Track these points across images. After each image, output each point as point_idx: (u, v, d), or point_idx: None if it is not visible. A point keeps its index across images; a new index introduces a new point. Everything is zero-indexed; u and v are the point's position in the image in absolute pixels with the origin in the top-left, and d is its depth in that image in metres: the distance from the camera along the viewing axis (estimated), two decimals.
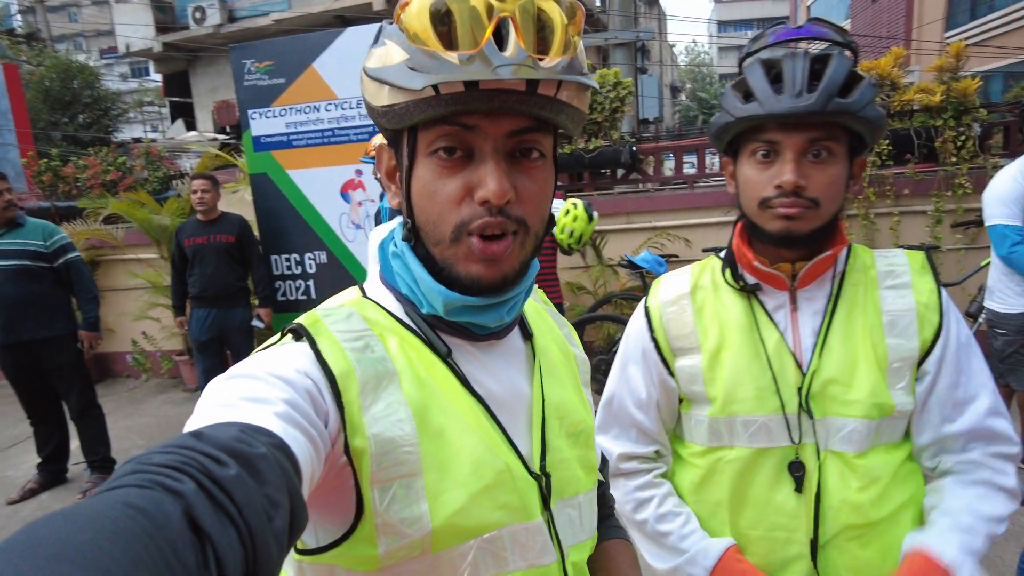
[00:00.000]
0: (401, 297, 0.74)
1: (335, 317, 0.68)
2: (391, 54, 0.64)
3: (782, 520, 1.06)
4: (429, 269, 0.70)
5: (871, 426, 1.02)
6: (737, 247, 1.12)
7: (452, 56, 0.60)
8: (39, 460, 4.09)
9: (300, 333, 0.66)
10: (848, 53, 1.02)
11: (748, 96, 1.01)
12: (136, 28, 13.22)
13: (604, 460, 1.06)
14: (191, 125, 13.39)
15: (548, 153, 0.70)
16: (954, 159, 4.88)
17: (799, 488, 1.04)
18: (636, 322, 1.21)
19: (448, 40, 0.61)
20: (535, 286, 0.93)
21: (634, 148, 5.68)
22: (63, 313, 3.92)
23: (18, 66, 9.38)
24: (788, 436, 1.05)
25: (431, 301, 0.71)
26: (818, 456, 1.04)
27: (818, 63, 0.97)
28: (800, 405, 1.04)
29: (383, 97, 0.65)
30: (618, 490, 1.21)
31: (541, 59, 0.61)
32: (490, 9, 0.60)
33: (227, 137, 9.77)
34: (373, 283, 0.78)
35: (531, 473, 0.72)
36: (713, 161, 7.16)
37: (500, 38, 0.61)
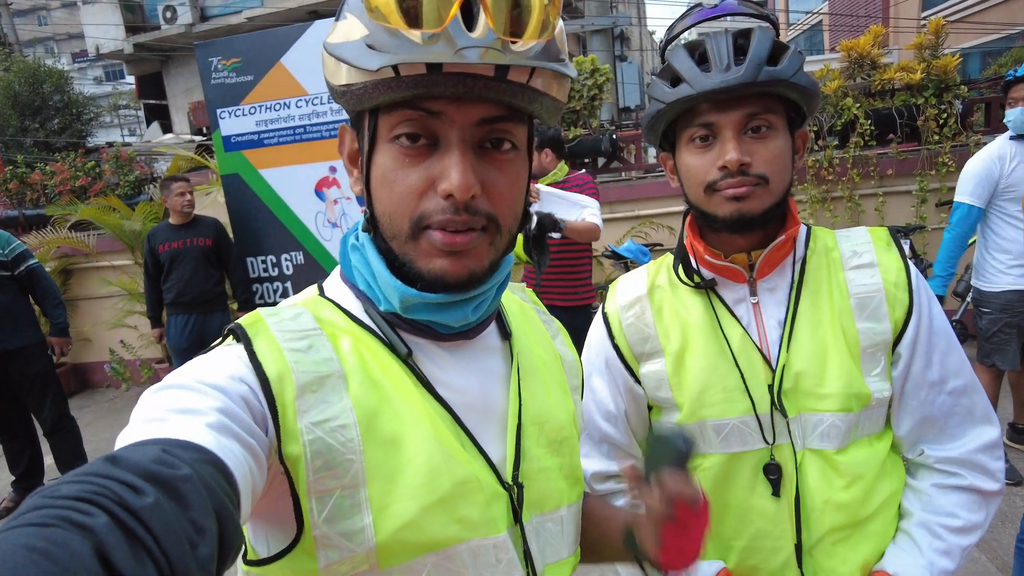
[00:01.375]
0: (360, 294, 0.69)
1: (281, 316, 0.64)
2: (351, 29, 0.58)
3: (765, 527, 1.00)
4: (390, 263, 0.65)
5: (850, 419, 0.96)
6: (689, 242, 1.06)
7: (415, 35, 0.54)
8: (13, 478, 3.97)
9: (239, 335, 0.62)
10: (768, 26, 1.00)
11: (676, 81, 0.96)
12: (105, 29, 12.94)
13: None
14: (167, 127, 13.15)
15: (522, 144, 0.64)
16: (936, 137, 4.86)
17: (776, 492, 0.98)
18: (596, 330, 1.14)
19: (414, 16, 0.54)
20: (523, 284, 0.89)
21: (614, 136, 5.61)
22: (30, 322, 3.82)
23: None
24: (762, 437, 0.99)
25: (388, 297, 0.65)
26: (795, 456, 0.98)
27: (741, 38, 0.95)
28: (772, 403, 0.98)
29: (342, 76, 0.60)
30: None
31: (514, 41, 0.56)
32: None
33: (204, 139, 9.57)
34: (333, 281, 0.73)
35: (502, 483, 0.66)
36: None
37: (470, 16, 0.55)
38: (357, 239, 0.70)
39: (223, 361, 0.59)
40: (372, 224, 0.66)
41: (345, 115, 4.38)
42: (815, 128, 4.97)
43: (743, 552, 1.02)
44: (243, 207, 4.64)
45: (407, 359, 0.66)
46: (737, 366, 1.00)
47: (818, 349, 0.98)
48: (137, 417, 0.51)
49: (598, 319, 1.14)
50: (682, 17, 1.09)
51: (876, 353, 0.98)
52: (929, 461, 1.01)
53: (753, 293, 1.03)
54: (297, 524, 0.59)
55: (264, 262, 4.70)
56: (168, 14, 12.20)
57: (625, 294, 1.12)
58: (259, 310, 0.65)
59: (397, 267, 0.64)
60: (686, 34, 1.10)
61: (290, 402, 0.58)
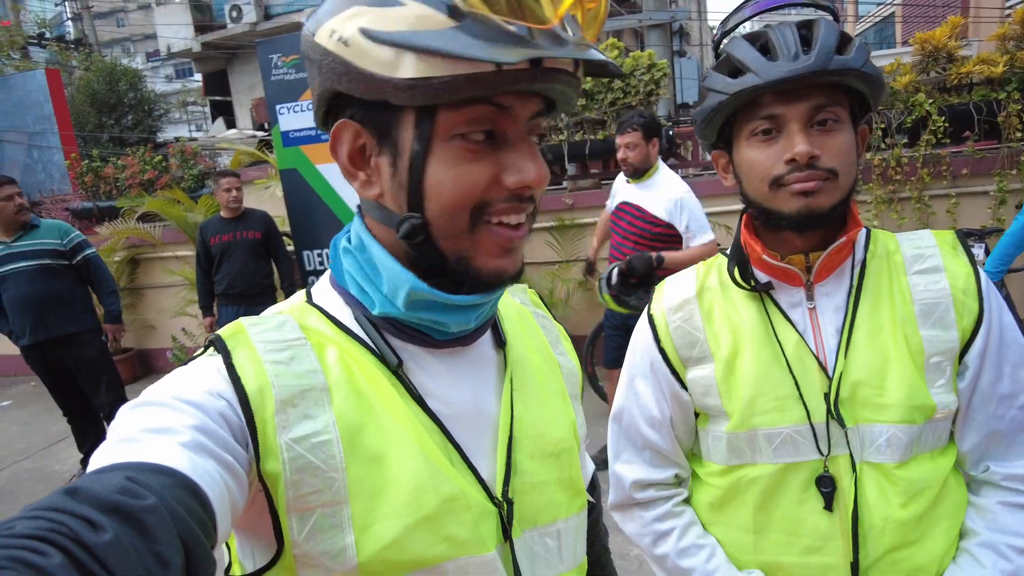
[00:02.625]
0: (351, 299, 0.66)
1: (264, 326, 0.62)
2: (425, 17, 0.53)
3: (815, 543, 0.95)
4: (431, 267, 0.62)
5: (912, 432, 0.91)
6: (745, 241, 1.01)
7: (534, 28, 0.53)
8: (81, 455, 4.18)
9: (219, 346, 0.60)
10: (830, 17, 0.96)
11: (737, 72, 0.92)
12: (176, 29, 13.50)
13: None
14: (231, 123, 13.62)
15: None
16: (1019, 135, 4.55)
17: (829, 506, 0.93)
18: (640, 332, 1.10)
19: (517, 10, 0.53)
20: (525, 286, 0.88)
21: (671, 133, 5.49)
22: (87, 309, 4.00)
23: (60, 71, 9.62)
24: (816, 448, 0.94)
25: (392, 294, 0.62)
26: (853, 469, 0.93)
27: (804, 28, 0.91)
28: (829, 412, 0.93)
29: (406, 67, 0.53)
30: (635, 522, 1.10)
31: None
32: None
33: (265, 134, 9.87)
34: (321, 286, 0.70)
35: (492, 499, 0.64)
36: None
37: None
38: (349, 242, 0.68)
39: (202, 375, 0.57)
40: (421, 229, 0.60)
41: None
42: (883, 125, 4.74)
43: (791, 569, 0.97)
44: (300, 201, 4.75)
45: (396, 370, 0.64)
46: (791, 373, 0.96)
47: (878, 357, 0.94)
48: (112, 436, 0.50)
49: (643, 321, 1.10)
50: (737, 10, 1.06)
51: (942, 363, 0.93)
52: (995, 478, 0.95)
53: (810, 298, 0.99)
54: (277, 541, 0.58)
55: (320, 255, 4.80)
56: (234, 13, 12.62)
57: (672, 296, 1.08)
58: (242, 319, 0.63)
59: (436, 270, 0.62)
60: (743, 26, 1.06)
61: (269, 417, 0.57)
